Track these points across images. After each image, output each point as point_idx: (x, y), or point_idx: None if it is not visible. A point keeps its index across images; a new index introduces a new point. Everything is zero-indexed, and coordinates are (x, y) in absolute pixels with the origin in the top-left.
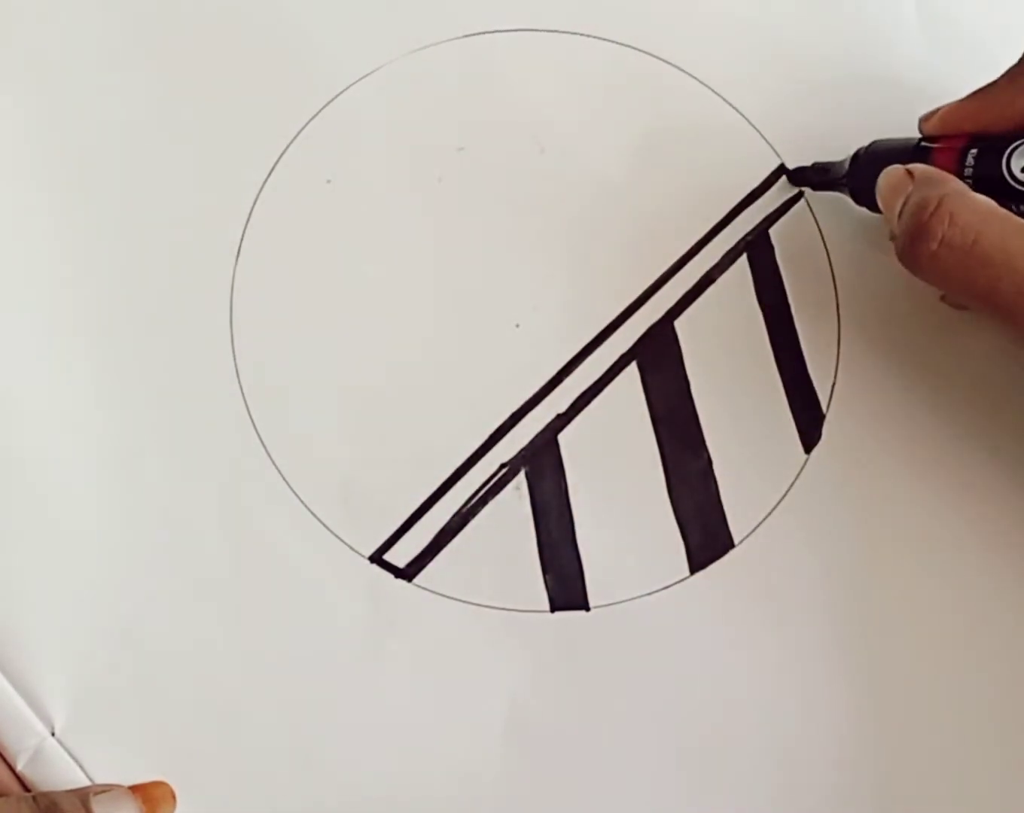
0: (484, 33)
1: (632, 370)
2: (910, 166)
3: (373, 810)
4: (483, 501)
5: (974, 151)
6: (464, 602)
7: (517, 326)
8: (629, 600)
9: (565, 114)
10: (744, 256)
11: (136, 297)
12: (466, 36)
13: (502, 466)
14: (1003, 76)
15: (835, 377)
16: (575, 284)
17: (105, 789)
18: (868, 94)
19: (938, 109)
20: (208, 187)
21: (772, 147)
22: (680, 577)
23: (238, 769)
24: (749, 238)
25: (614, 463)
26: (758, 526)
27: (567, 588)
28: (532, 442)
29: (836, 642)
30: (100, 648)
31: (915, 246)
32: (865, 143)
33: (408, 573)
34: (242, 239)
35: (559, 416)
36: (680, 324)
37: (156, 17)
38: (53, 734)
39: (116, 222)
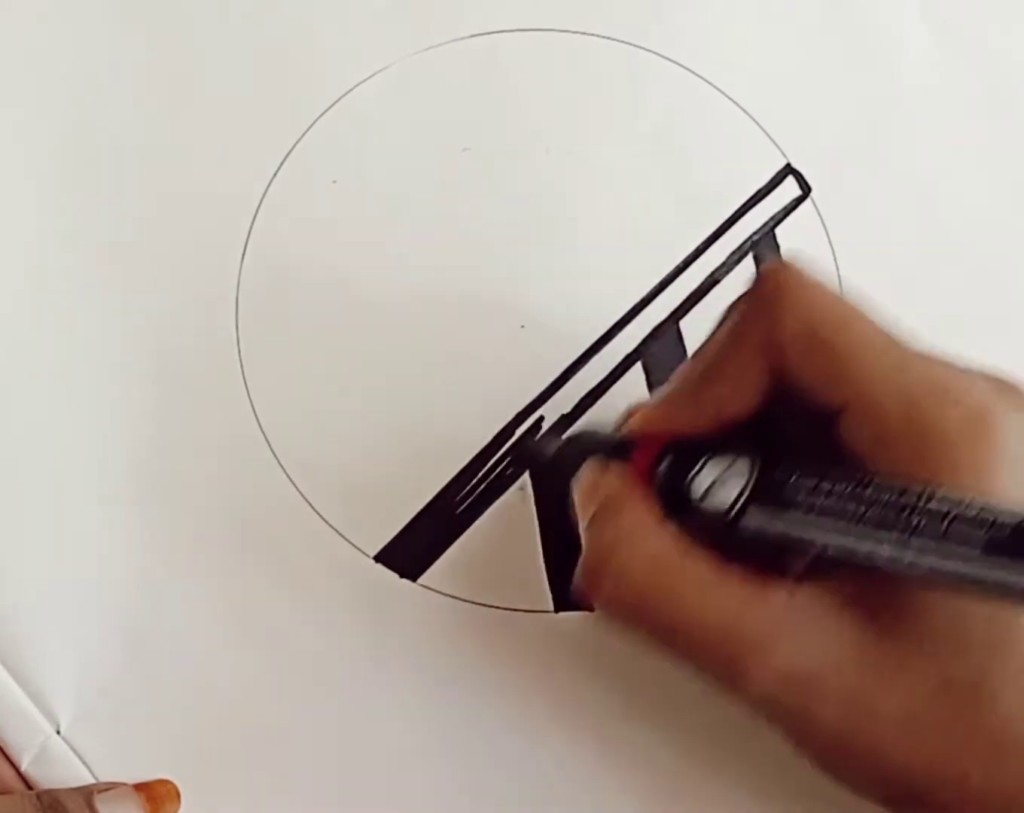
0: (490, 33)
1: (637, 371)
2: (599, 479)
3: (375, 809)
4: (487, 501)
5: (665, 462)
6: (468, 602)
7: (522, 327)
8: None
9: (571, 114)
10: (750, 256)
11: (142, 297)
12: (472, 36)
13: (507, 466)
14: (694, 376)
15: None
16: (580, 284)
17: (109, 787)
18: (874, 95)
19: (641, 404)
20: (214, 187)
21: (778, 146)
22: None
23: (242, 767)
24: (755, 238)
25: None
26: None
27: (571, 588)
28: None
29: None
30: (105, 646)
31: (589, 595)
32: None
33: (412, 573)
34: (248, 238)
35: (564, 417)
36: (685, 325)
37: (161, 16)
38: (58, 732)
39: (121, 222)
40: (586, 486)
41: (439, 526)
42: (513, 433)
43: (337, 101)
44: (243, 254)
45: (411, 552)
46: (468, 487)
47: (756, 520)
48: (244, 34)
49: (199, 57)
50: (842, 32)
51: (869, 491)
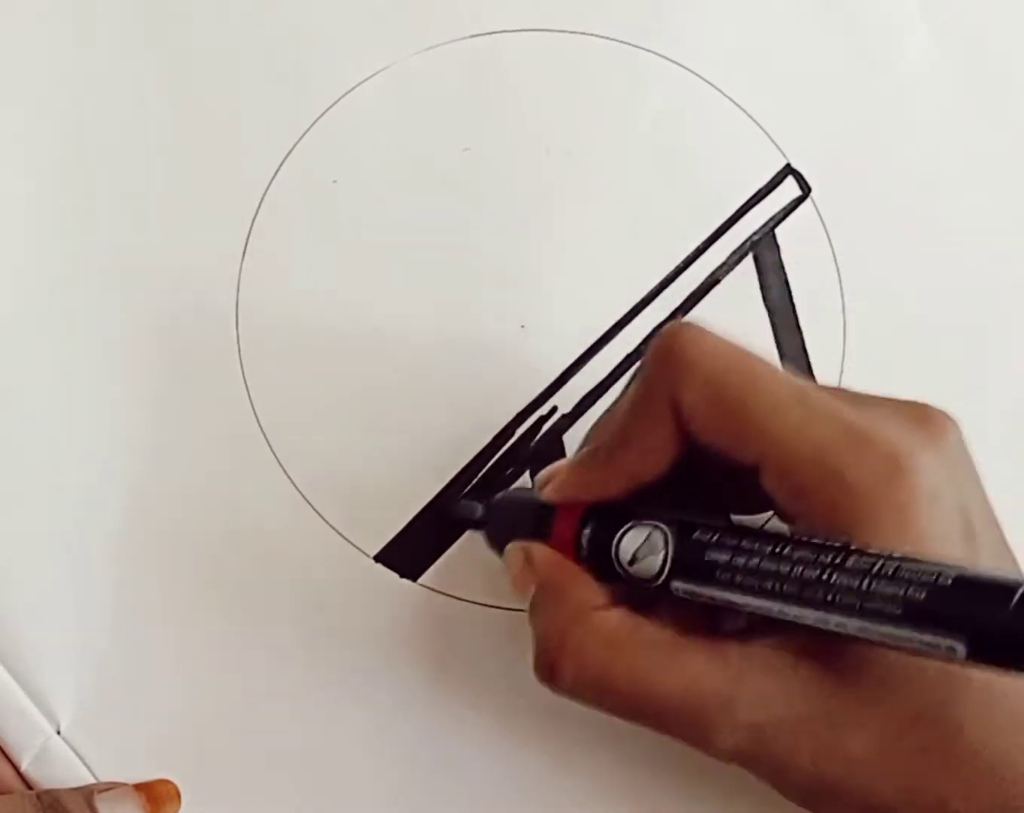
0: (490, 33)
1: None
2: (529, 556)
3: (375, 809)
4: None
5: (587, 530)
6: (468, 602)
7: (522, 327)
8: None
9: (571, 114)
10: (750, 256)
11: (141, 297)
12: (472, 36)
13: (507, 466)
14: (605, 441)
15: (840, 378)
16: (580, 284)
17: (110, 787)
18: (874, 94)
19: (556, 471)
20: (214, 187)
21: (778, 146)
22: None
23: (242, 767)
24: (755, 238)
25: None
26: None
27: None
28: (537, 442)
29: None
30: (105, 646)
31: (550, 683)
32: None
33: (413, 573)
34: (248, 239)
35: (564, 416)
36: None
37: (162, 16)
38: (58, 732)
39: (121, 222)
40: (518, 566)
41: (439, 526)
42: (513, 433)
43: (337, 101)
44: (243, 254)
45: (411, 552)
46: (468, 487)
47: (684, 586)
48: (244, 34)
49: (199, 57)
50: (842, 32)
51: (787, 551)
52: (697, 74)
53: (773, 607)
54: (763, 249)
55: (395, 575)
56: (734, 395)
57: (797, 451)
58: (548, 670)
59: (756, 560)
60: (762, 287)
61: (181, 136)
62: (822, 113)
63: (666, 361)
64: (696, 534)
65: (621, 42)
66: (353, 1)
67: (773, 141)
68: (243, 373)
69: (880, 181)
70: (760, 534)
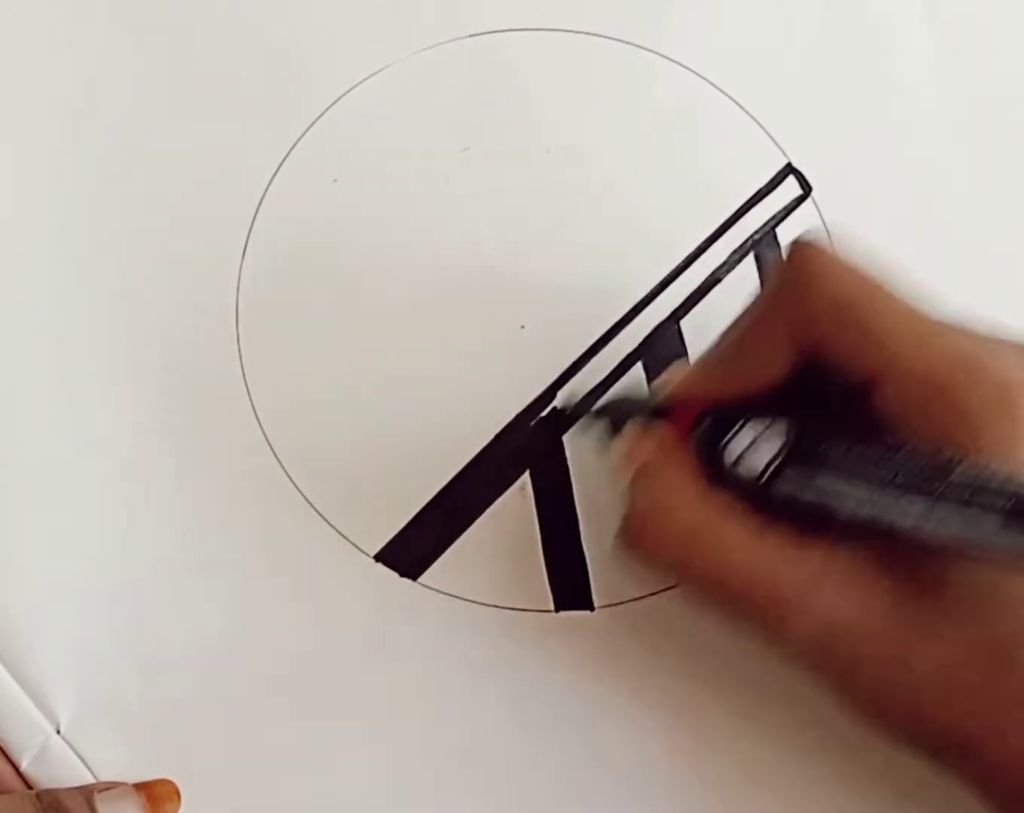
0: (490, 33)
1: (637, 371)
2: (639, 442)
3: (376, 809)
4: (488, 501)
5: (702, 427)
6: (469, 601)
7: (522, 328)
8: (633, 600)
9: (571, 114)
10: (751, 255)
11: (141, 297)
12: (471, 36)
13: (507, 466)
14: (729, 344)
15: None
16: (580, 285)
17: (109, 787)
18: (874, 94)
19: (677, 372)
20: (214, 186)
21: (779, 146)
22: None
23: (242, 767)
24: (756, 238)
25: (619, 463)
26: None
27: (571, 588)
28: (537, 442)
29: None
30: (105, 646)
31: (635, 546)
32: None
33: (413, 572)
34: (248, 238)
35: (566, 415)
36: (686, 324)
37: (161, 16)
38: (58, 732)
39: (121, 222)
40: (626, 448)
41: (439, 526)
42: (514, 433)
43: (337, 101)
44: (243, 254)
45: (411, 552)
46: (469, 487)
47: (788, 485)
48: (244, 33)
49: (199, 57)
50: (843, 32)
51: (898, 457)
52: (698, 74)
53: (873, 509)
54: (764, 248)
55: (395, 575)
56: (858, 310)
57: (913, 367)
58: (635, 534)
59: (868, 456)
60: (763, 286)
61: (181, 136)
62: (822, 113)
63: (794, 273)
64: (810, 432)
65: (622, 41)
66: (353, 1)
67: (774, 140)
68: (243, 373)
69: (880, 181)
70: (872, 438)
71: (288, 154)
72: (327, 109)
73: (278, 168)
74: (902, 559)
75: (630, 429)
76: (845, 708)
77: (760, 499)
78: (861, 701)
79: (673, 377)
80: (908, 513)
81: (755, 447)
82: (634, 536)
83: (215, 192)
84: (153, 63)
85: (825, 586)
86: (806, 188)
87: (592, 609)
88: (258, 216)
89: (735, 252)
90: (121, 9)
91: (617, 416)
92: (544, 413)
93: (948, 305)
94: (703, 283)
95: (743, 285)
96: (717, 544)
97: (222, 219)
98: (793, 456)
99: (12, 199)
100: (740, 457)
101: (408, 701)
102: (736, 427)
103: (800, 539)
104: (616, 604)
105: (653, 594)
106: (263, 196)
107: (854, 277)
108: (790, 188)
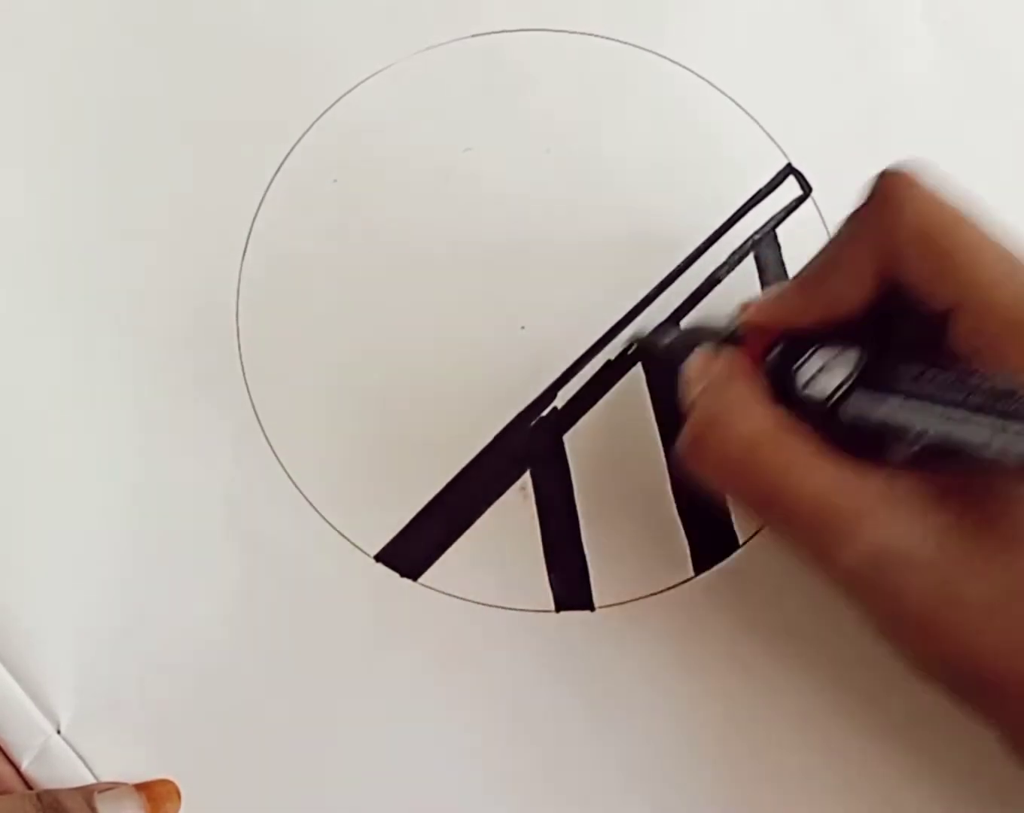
0: (491, 33)
1: (637, 371)
2: (710, 362)
3: (377, 809)
4: (488, 501)
5: (774, 352)
6: (469, 601)
7: (523, 328)
8: (634, 600)
9: (571, 114)
10: (751, 256)
11: (142, 296)
12: (473, 36)
13: (507, 466)
14: (810, 271)
15: None
16: (581, 284)
17: (110, 787)
18: (874, 95)
19: (755, 298)
20: (214, 186)
21: (779, 146)
22: (685, 577)
23: (242, 767)
24: (756, 238)
25: (619, 463)
26: (763, 526)
27: (572, 588)
28: (537, 442)
29: (843, 639)
30: (106, 646)
31: (693, 457)
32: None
33: (413, 572)
34: (248, 238)
35: (564, 415)
36: (686, 324)
37: (162, 16)
38: (59, 732)
39: (121, 222)
40: (697, 366)
41: (440, 526)
42: (514, 433)
43: (337, 101)
44: (243, 254)
45: (411, 552)
46: (469, 487)
47: (857, 406)
48: (244, 33)
49: (200, 57)
50: (842, 32)
51: (971, 381)
52: (698, 74)
53: (944, 427)
54: (764, 249)
55: (395, 575)
56: (943, 238)
57: (995, 300)
58: (692, 447)
59: (940, 380)
60: (763, 287)
61: (181, 136)
62: (822, 113)
63: (882, 200)
64: (882, 358)
65: (621, 42)
66: (353, 1)
67: (774, 141)
68: (243, 373)
69: None
70: (945, 363)
71: (288, 154)
72: (327, 109)
73: (278, 168)
74: (960, 492)
75: (702, 351)
76: (890, 642)
77: (826, 423)
78: (908, 632)
79: (749, 305)
80: (977, 433)
81: (825, 370)
82: (694, 445)
83: (215, 192)
84: (153, 63)
85: (880, 513)
86: (806, 188)
87: (592, 609)
88: (258, 216)
89: (735, 252)
90: (121, 9)
91: (691, 344)
92: (544, 413)
93: None
94: (703, 283)
95: (743, 285)
96: (776, 460)
97: (222, 219)
98: (863, 379)
99: (12, 199)
100: (809, 381)
101: (408, 701)
102: (807, 354)
103: (860, 467)
104: (616, 604)
105: (653, 594)
106: (263, 196)
107: (942, 206)
108: (790, 188)
